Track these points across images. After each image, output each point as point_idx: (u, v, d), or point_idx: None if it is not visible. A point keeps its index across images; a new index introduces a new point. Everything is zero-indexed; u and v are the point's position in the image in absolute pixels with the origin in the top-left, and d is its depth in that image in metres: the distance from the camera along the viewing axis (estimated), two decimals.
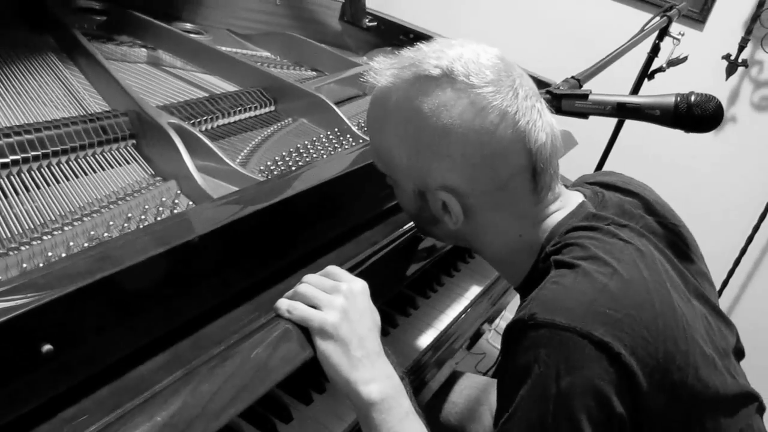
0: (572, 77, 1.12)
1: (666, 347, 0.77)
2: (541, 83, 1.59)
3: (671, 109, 0.94)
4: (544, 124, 0.85)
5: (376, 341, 0.86)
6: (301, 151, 1.22)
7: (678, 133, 1.04)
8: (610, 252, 0.82)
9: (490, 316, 1.44)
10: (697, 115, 0.93)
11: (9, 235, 0.81)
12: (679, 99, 0.94)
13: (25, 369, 0.61)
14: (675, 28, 1.70)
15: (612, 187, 1.00)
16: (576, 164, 1.72)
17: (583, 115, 1.04)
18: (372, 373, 0.82)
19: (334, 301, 0.84)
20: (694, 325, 0.82)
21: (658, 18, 1.64)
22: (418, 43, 0.89)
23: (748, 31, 2.12)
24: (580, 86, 1.09)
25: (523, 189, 0.86)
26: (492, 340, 2.76)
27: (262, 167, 1.14)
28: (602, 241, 0.84)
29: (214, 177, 1.05)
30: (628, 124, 1.90)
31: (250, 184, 0.99)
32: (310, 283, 0.86)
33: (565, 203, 0.92)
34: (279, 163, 1.15)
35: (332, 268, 0.90)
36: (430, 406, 1.41)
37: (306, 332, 0.82)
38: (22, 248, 0.79)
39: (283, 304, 0.84)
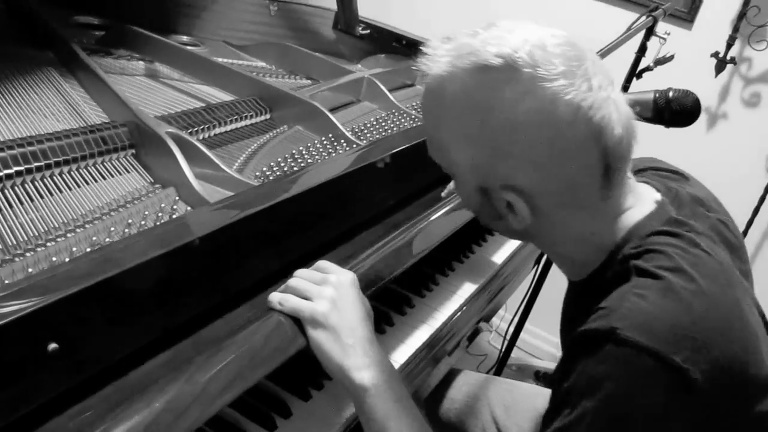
0: None
1: (741, 369, 0.75)
2: None
3: (650, 104, 0.98)
4: (621, 116, 0.78)
5: (367, 329, 0.88)
6: (296, 156, 1.25)
7: (669, 131, 1.07)
8: (695, 265, 0.77)
9: (486, 315, 1.47)
10: (676, 110, 0.97)
11: (14, 242, 0.84)
12: (657, 95, 0.98)
13: (32, 366, 0.64)
14: (661, 27, 1.73)
15: (674, 179, 0.96)
16: None
17: None
18: (364, 360, 0.84)
19: (324, 292, 0.87)
20: (762, 343, 0.79)
21: (644, 18, 1.67)
22: (475, 28, 0.82)
23: (736, 29, 2.15)
24: None
25: (593, 186, 0.80)
26: (493, 342, 2.79)
27: (257, 173, 1.17)
28: (686, 251, 0.79)
29: (211, 183, 1.09)
30: None
31: (245, 188, 1.02)
32: (301, 277, 0.89)
33: (638, 199, 0.86)
34: (274, 168, 1.19)
35: (322, 262, 0.93)
36: (429, 403, 1.44)
37: (298, 323, 0.85)
38: (27, 254, 0.82)
39: (275, 297, 0.88)
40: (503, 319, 2.27)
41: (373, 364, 0.85)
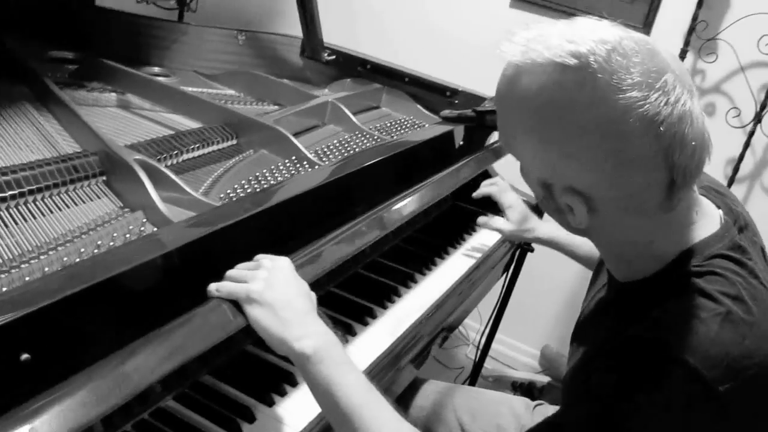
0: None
1: None
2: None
3: None
4: (695, 132, 0.76)
5: (303, 303, 0.93)
6: (260, 178, 1.33)
7: None
8: (753, 297, 0.79)
9: (448, 326, 1.54)
10: None
11: None
12: None
13: (6, 374, 0.71)
14: None
15: (730, 198, 0.96)
16: None
17: None
18: (302, 331, 0.89)
19: (258, 274, 0.93)
20: None
21: None
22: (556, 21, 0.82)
23: (686, 43, 2.25)
24: None
25: (656, 198, 0.79)
26: (470, 355, 2.85)
27: (222, 195, 1.24)
28: (747, 281, 0.80)
29: (178, 206, 1.15)
30: None
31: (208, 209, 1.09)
32: (237, 267, 0.96)
33: (703, 214, 0.87)
34: (238, 190, 1.26)
35: (258, 255, 0.99)
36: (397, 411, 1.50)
37: (237, 306, 0.92)
38: (2, 276, 0.88)
39: (213, 285, 0.94)
40: (480, 333, 2.34)
41: (312, 333, 0.90)
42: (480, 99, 1.73)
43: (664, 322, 0.78)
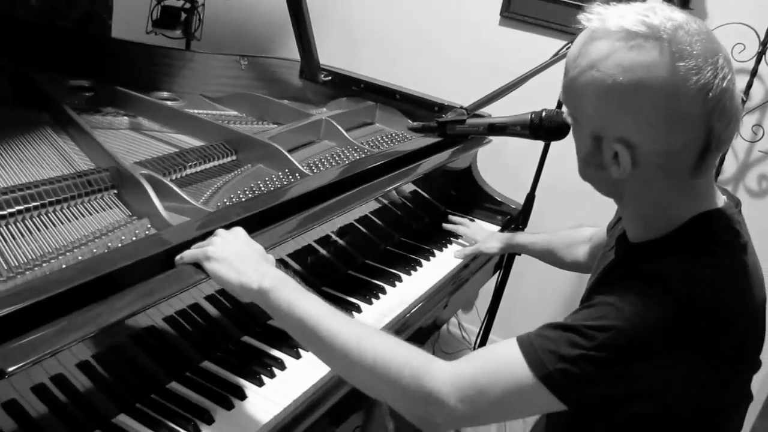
0: (461, 107, 1.37)
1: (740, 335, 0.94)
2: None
3: (528, 123, 1.20)
4: (734, 107, 0.90)
5: (258, 256, 1.08)
6: (254, 189, 1.48)
7: None
8: (742, 263, 0.96)
9: (434, 319, 1.68)
10: (548, 127, 1.19)
11: (17, 263, 1.06)
12: (533, 115, 1.19)
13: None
14: None
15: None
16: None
17: (465, 136, 1.29)
18: (258, 274, 1.04)
19: (213, 239, 1.10)
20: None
21: (565, 49, 1.86)
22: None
23: None
24: (468, 114, 1.34)
25: (689, 160, 0.91)
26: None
27: (219, 204, 1.40)
28: (738, 248, 0.97)
29: (180, 214, 1.31)
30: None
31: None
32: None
33: (714, 193, 1.00)
34: (234, 199, 1.41)
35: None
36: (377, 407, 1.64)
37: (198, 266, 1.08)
38: (27, 273, 1.04)
39: (177, 256, 1.09)
40: (476, 335, 2.46)
41: (266, 274, 1.04)
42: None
43: (667, 264, 0.92)
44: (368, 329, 1.02)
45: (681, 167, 0.93)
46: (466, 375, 0.93)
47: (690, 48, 0.87)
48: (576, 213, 2.63)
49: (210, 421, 1.08)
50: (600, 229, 1.53)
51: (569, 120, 1.00)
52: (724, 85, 0.88)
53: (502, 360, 0.93)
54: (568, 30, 2.53)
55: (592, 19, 0.93)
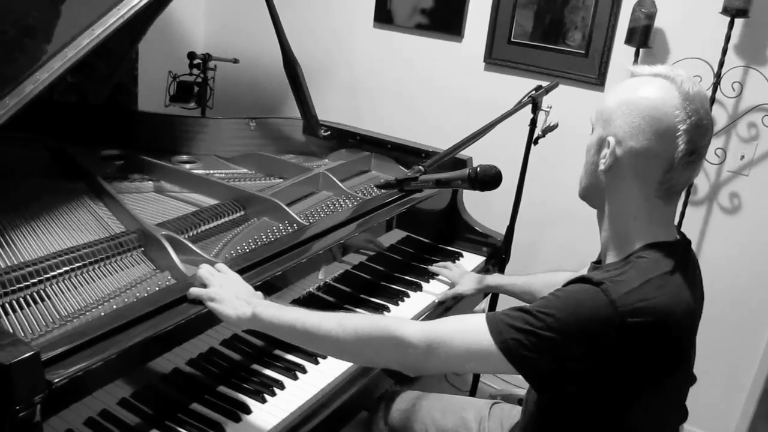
0: (420, 165, 1.62)
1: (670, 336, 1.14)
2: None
3: (466, 177, 1.46)
4: (700, 164, 1.20)
5: (248, 294, 1.38)
6: (257, 240, 1.76)
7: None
8: (673, 284, 1.17)
9: None
10: (482, 180, 1.44)
11: (66, 313, 1.35)
12: (470, 170, 1.45)
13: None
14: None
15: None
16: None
17: (419, 190, 1.57)
18: (249, 306, 1.33)
19: (214, 281, 1.39)
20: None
21: (529, 97, 2.10)
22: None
23: None
24: (425, 172, 1.60)
25: (656, 173, 1.18)
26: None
27: (227, 255, 1.68)
28: (673, 273, 1.17)
29: (195, 266, 1.58)
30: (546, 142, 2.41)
31: None
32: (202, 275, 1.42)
33: (670, 227, 1.25)
34: (239, 250, 1.69)
35: (219, 265, 1.46)
36: (374, 412, 1.87)
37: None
38: (75, 320, 1.33)
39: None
40: None
41: (257, 304, 1.33)
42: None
43: (608, 274, 1.15)
44: (344, 314, 1.34)
45: (650, 176, 1.18)
46: (434, 328, 1.21)
47: (688, 101, 1.15)
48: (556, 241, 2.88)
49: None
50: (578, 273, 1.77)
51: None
52: (701, 142, 1.17)
53: (470, 326, 1.19)
54: (543, 71, 2.80)
55: (638, 70, 1.24)
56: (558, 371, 1.14)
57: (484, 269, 2.30)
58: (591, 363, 1.12)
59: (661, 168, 1.18)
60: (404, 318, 1.24)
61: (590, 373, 1.13)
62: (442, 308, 2.04)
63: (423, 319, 1.91)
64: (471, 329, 1.18)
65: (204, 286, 1.40)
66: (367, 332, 1.24)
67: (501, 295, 2.21)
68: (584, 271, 1.65)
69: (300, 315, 1.30)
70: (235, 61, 3.15)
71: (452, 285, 2.11)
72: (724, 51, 2.41)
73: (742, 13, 2.33)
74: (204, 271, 1.43)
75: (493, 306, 2.42)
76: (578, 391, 1.17)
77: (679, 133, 1.15)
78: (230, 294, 1.37)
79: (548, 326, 1.11)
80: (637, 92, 1.19)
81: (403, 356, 1.21)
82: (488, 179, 1.44)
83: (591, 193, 1.31)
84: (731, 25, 2.38)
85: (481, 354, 1.16)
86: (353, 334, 1.24)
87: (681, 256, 1.22)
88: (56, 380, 1.09)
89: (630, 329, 1.09)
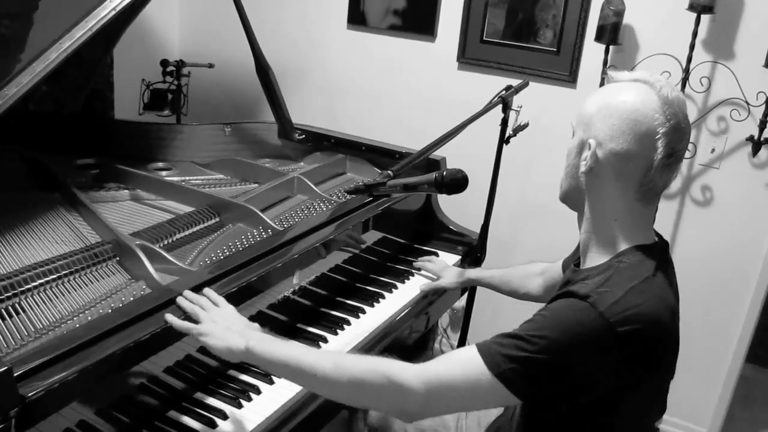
0: (389, 169, 1.62)
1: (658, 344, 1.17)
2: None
3: (433, 182, 1.48)
4: (677, 169, 1.22)
5: (242, 326, 1.35)
6: (231, 247, 1.77)
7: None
8: (655, 288, 1.18)
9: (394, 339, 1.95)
10: (449, 184, 1.47)
11: (40, 326, 1.36)
12: (437, 175, 1.48)
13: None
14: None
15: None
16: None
17: (387, 195, 1.59)
18: (243, 339, 1.29)
19: (205, 317, 1.36)
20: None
21: (499, 97, 2.12)
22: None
23: (603, 83, 2.65)
24: (393, 177, 1.60)
25: (635, 174, 1.20)
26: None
27: (202, 263, 1.69)
28: (654, 279, 1.19)
29: (170, 274, 1.60)
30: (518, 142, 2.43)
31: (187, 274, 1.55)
32: (190, 299, 1.41)
33: (649, 230, 1.28)
34: (213, 257, 1.71)
35: (215, 297, 1.43)
36: (354, 411, 1.89)
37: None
38: (49, 333, 1.34)
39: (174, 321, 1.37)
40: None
41: (251, 337, 1.29)
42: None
43: (592, 284, 1.16)
44: (339, 354, 1.33)
45: (629, 177, 1.20)
46: (431, 371, 1.18)
47: (668, 105, 1.18)
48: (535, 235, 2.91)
49: None
50: (553, 265, 1.81)
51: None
52: (679, 146, 1.19)
53: (464, 361, 1.16)
54: (516, 70, 2.84)
55: (617, 75, 1.28)
56: (558, 389, 1.15)
57: (460, 267, 2.33)
58: (587, 375, 1.14)
59: (641, 170, 1.20)
60: (401, 362, 1.20)
61: (588, 384, 1.15)
62: (426, 302, 2.08)
63: (406, 314, 1.94)
64: (466, 366, 1.16)
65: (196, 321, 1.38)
66: (364, 377, 1.20)
67: (479, 289, 2.26)
68: (559, 265, 1.68)
69: (295, 352, 1.28)
70: (210, 66, 3.16)
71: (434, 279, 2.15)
72: (692, 47, 2.46)
73: (707, 9, 2.37)
74: (196, 307, 1.39)
75: (470, 299, 2.45)
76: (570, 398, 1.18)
77: (659, 135, 1.17)
78: (220, 328, 1.34)
79: (542, 348, 1.12)
80: (617, 96, 1.22)
81: (402, 402, 1.18)
82: (454, 183, 1.47)
83: (572, 196, 1.32)
84: (698, 21, 2.42)
85: (483, 389, 1.15)
86: (349, 377, 1.21)
87: (660, 257, 1.24)
88: (30, 394, 1.11)
89: (621, 338, 1.11)
